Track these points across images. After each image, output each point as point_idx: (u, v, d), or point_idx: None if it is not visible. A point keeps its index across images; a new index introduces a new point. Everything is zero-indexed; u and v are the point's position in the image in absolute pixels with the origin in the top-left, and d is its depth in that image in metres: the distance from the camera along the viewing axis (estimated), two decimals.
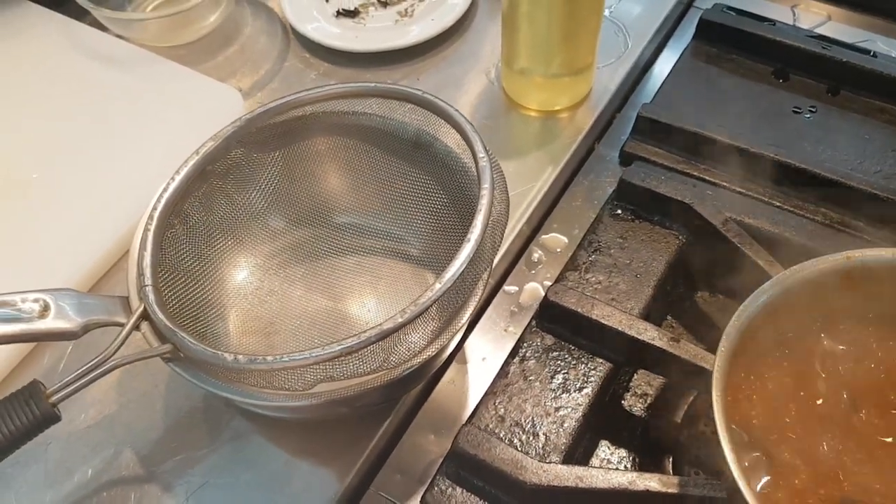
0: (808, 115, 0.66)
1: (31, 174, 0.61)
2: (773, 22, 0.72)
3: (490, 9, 0.74)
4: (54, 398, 0.41)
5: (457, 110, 0.50)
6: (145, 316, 0.44)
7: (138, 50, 0.70)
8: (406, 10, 0.73)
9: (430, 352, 0.46)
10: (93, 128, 0.64)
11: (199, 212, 0.51)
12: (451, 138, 0.53)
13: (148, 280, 0.44)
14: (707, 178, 0.62)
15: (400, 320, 0.41)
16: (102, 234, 0.58)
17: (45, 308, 0.43)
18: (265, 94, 0.70)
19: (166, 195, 0.48)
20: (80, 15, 0.72)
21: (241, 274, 0.55)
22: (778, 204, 0.61)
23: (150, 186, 0.49)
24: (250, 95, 0.69)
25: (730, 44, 0.70)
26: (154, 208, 0.47)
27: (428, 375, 0.52)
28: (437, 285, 0.42)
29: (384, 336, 0.41)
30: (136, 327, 0.44)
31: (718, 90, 0.68)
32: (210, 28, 0.73)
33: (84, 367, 0.42)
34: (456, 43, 0.72)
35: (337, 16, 0.73)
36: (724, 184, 0.62)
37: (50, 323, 0.43)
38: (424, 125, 0.53)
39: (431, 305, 0.42)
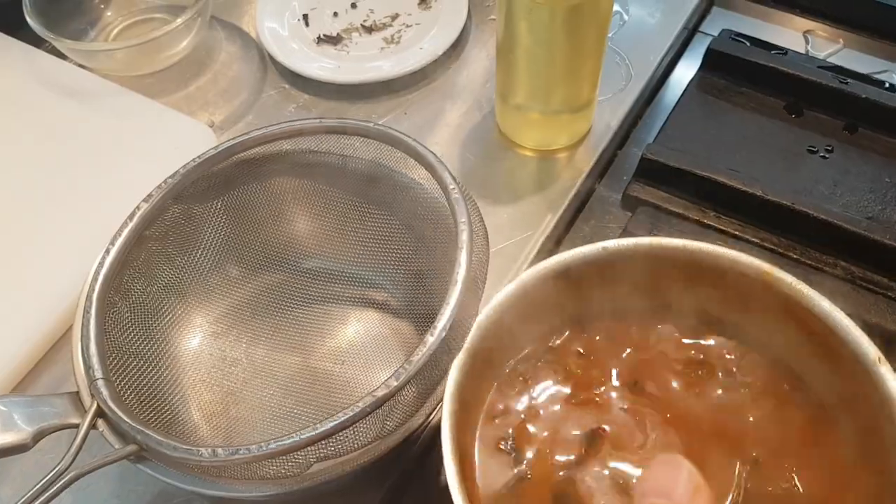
0: (823, 155, 0.61)
1: None
2: (784, 51, 0.67)
3: (483, 36, 0.69)
4: None
5: (416, 140, 0.47)
6: (100, 413, 0.39)
7: (100, 81, 0.64)
8: (392, 36, 0.68)
9: (428, 407, 0.42)
10: (41, 173, 0.58)
11: (142, 283, 0.46)
12: (416, 171, 0.49)
13: (98, 372, 0.39)
14: (717, 226, 0.58)
15: (395, 383, 0.38)
16: (38, 311, 0.52)
17: None
18: (240, 127, 0.65)
19: (103, 271, 0.43)
20: (39, 41, 0.66)
21: (199, 346, 0.50)
22: (795, 256, 0.56)
23: (96, 249, 0.44)
24: (223, 129, 0.64)
25: (739, 75, 0.65)
26: (91, 288, 0.42)
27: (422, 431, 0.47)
28: (430, 338, 0.39)
29: (381, 403, 0.38)
30: (93, 426, 0.39)
31: (727, 127, 0.63)
32: (180, 55, 0.68)
33: (41, 483, 0.37)
34: (447, 73, 0.67)
35: (318, 42, 0.68)
36: (736, 232, 0.57)
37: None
38: (382, 158, 0.50)
39: (426, 362, 0.38)
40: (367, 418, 0.38)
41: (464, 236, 0.43)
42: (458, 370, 0.40)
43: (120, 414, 0.38)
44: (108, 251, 0.43)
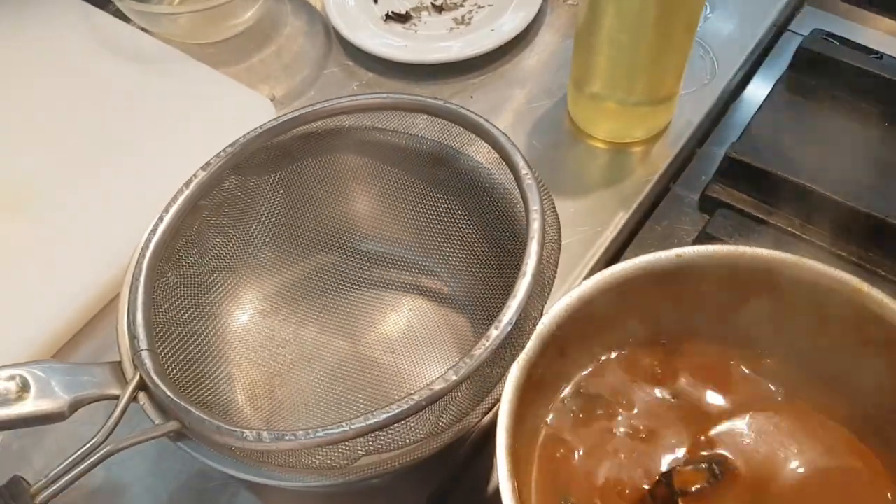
0: None
1: (23, 187, 0.54)
2: (879, 55, 0.63)
3: (558, 21, 0.66)
4: (41, 497, 0.34)
5: (487, 120, 0.44)
6: (142, 386, 0.37)
7: (162, 46, 0.62)
8: (463, 17, 0.65)
9: (485, 406, 0.39)
10: (98, 136, 0.57)
11: (193, 254, 0.44)
12: (483, 155, 0.46)
13: (143, 343, 0.37)
14: (802, 234, 0.54)
15: (455, 378, 0.35)
16: (86, 275, 0.50)
17: (24, 387, 0.36)
18: (301, 103, 0.62)
19: (155, 238, 0.40)
20: (104, 3, 0.65)
21: (247, 323, 0.48)
22: (882, 273, 0.52)
23: (148, 216, 0.42)
24: (284, 105, 0.62)
25: (830, 77, 0.61)
26: (142, 255, 0.40)
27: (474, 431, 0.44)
28: (494, 332, 0.36)
29: (438, 398, 0.35)
30: (134, 399, 0.36)
31: (816, 131, 0.59)
32: (245, 26, 0.66)
33: (74, 456, 0.35)
34: (517, 58, 0.64)
35: (386, 19, 0.65)
36: (822, 243, 0.53)
37: (32, 405, 0.36)
38: (449, 139, 0.47)
39: (487, 357, 0.35)
40: (422, 413, 0.35)
41: (535, 225, 0.40)
42: (513, 386, 0.37)
43: (163, 388, 0.36)
44: (161, 218, 0.41)
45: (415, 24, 0.65)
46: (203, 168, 0.43)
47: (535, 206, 0.41)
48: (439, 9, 0.66)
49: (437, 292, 0.51)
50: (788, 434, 0.40)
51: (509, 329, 0.37)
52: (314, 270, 0.51)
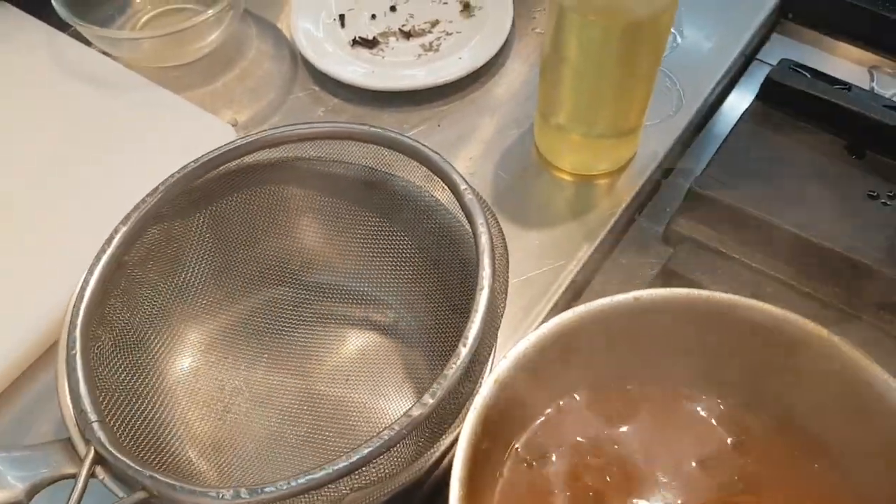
0: (885, 202, 0.57)
1: None
2: (847, 86, 0.63)
3: (526, 50, 0.66)
4: None
5: (418, 141, 0.44)
6: (99, 460, 0.35)
7: (123, 71, 0.61)
8: (431, 43, 0.65)
9: (458, 427, 0.38)
10: (50, 163, 0.56)
11: (124, 313, 0.43)
12: (420, 178, 0.46)
13: (92, 415, 0.35)
14: (764, 269, 0.54)
15: (431, 401, 0.35)
16: (29, 321, 0.48)
17: None
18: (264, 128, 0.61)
19: (83, 303, 0.39)
20: (65, 24, 0.64)
21: (195, 376, 0.47)
22: (849, 311, 0.52)
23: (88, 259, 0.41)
24: (247, 129, 0.61)
25: (798, 109, 0.61)
26: (72, 324, 0.38)
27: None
28: (463, 349, 0.37)
29: (418, 424, 0.35)
30: (92, 474, 0.35)
31: (782, 163, 0.59)
32: (209, 49, 0.65)
33: None
34: (486, 86, 0.64)
35: (353, 44, 0.65)
36: (784, 278, 0.53)
37: None
38: (384, 165, 0.47)
39: (460, 376, 0.36)
40: (403, 441, 0.35)
41: (483, 239, 0.40)
42: (468, 435, 0.36)
43: (123, 459, 0.35)
44: (86, 281, 0.40)
45: (382, 50, 0.64)
46: (123, 222, 0.42)
47: (480, 220, 0.41)
48: (407, 35, 0.65)
49: (385, 320, 0.50)
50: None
51: (476, 345, 0.37)
52: (254, 311, 0.50)
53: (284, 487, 0.33)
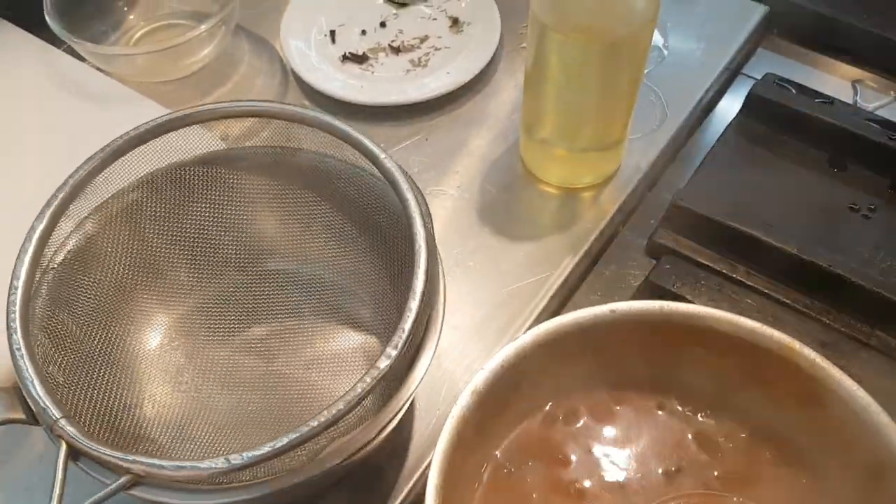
0: (866, 215, 0.57)
1: None
2: (830, 100, 0.63)
3: (513, 65, 0.67)
4: None
5: (326, 113, 0.46)
6: (74, 454, 0.36)
7: (116, 85, 0.62)
8: (419, 59, 0.66)
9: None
10: (42, 176, 0.55)
11: (61, 311, 0.43)
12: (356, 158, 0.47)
13: (55, 412, 0.36)
14: (746, 282, 0.54)
15: (395, 352, 0.38)
16: None
17: None
18: (254, 143, 0.62)
19: (17, 306, 0.39)
20: (59, 40, 0.65)
21: (153, 363, 0.48)
22: (827, 321, 0.53)
23: None
24: (238, 145, 0.62)
25: (781, 123, 0.62)
26: (11, 328, 0.39)
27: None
28: (413, 303, 0.39)
29: (387, 372, 0.37)
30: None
31: (764, 177, 0.60)
32: (201, 64, 0.66)
33: None
34: (473, 100, 0.65)
35: (343, 60, 0.66)
36: (767, 291, 0.54)
37: None
38: (321, 147, 0.48)
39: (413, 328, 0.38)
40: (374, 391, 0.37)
41: (408, 195, 0.43)
42: (445, 444, 0.37)
43: (100, 448, 0.35)
44: (13, 286, 0.40)
45: (371, 66, 0.65)
46: (38, 218, 0.42)
47: (404, 185, 0.43)
48: (396, 50, 0.66)
49: (338, 302, 0.51)
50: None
51: (425, 294, 0.39)
52: (210, 297, 0.51)
53: (269, 450, 0.35)
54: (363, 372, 0.37)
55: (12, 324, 0.39)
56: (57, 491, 0.35)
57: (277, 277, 0.51)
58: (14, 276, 0.40)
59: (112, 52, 0.63)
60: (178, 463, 0.35)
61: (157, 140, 0.47)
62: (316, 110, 0.46)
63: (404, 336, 0.38)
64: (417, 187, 0.44)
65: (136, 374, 0.46)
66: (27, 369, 0.37)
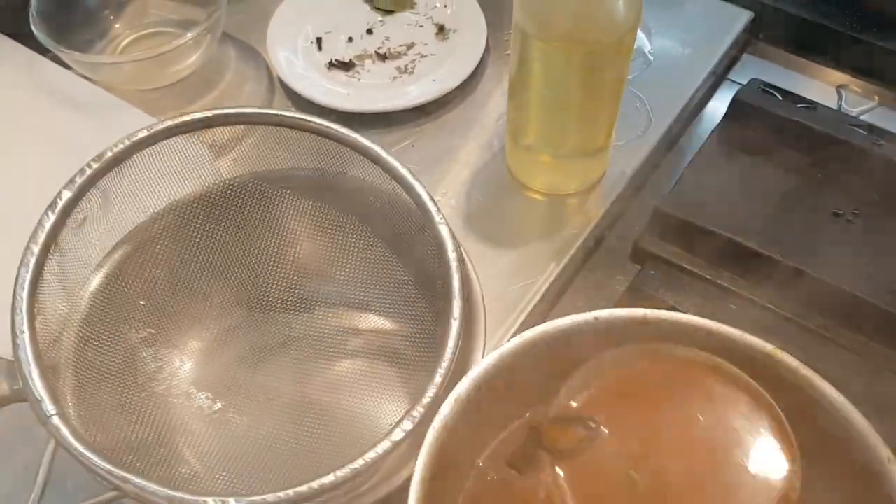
0: (849, 220, 0.58)
1: None
2: (814, 105, 0.64)
3: (499, 72, 0.67)
4: None
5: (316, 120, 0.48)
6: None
7: (102, 93, 0.62)
8: (406, 66, 0.66)
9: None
10: (26, 183, 0.56)
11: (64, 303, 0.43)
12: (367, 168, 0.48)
13: (50, 407, 0.36)
14: (731, 287, 0.55)
15: (410, 427, 0.38)
16: None
17: None
18: (240, 150, 0.62)
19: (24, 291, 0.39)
20: (46, 49, 0.65)
21: (174, 374, 0.47)
22: (811, 326, 0.53)
23: None
24: (223, 153, 0.62)
25: (765, 128, 0.62)
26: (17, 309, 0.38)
27: None
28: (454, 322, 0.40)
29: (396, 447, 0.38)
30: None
31: (749, 182, 0.60)
32: (189, 71, 0.66)
33: None
34: (459, 107, 0.65)
35: (329, 67, 0.66)
36: (751, 297, 0.54)
37: None
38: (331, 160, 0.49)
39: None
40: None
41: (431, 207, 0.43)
42: (427, 453, 0.37)
43: (91, 457, 0.35)
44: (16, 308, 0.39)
45: (358, 73, 0.66)
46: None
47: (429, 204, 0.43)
48: (383, 57, 0.66)
49: (370, 327, 0.51)
50: None
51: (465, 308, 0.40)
52: (240, 313, 0.51)
53: (271, 499, 0.34)
54: (392, 399, 0.36)
55: (18, 306, 0.38)
56: (38, 489, 0.35)
57: (309, 300, 0.51)
58: (23, 264, 0.40)
59: (98, 61, 0.63)
60: (170, 492, 0.34)
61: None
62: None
63: (423, 410, 0.38)
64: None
65: (151, 389, 0.46)
66: (27, 356, 0.37)
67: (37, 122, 0.61)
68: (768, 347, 0.39)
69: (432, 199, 0.44)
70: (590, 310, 0.41)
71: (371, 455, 0.36)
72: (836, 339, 0.52)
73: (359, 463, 0.36)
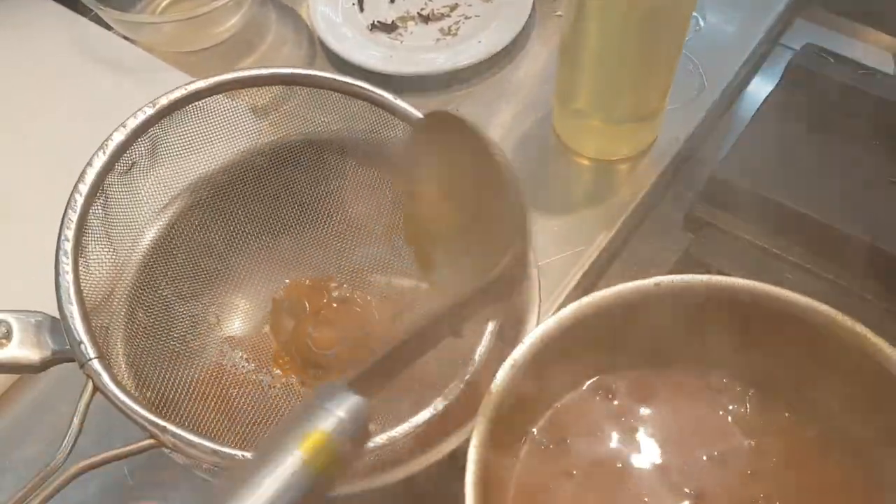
0: None
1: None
2: (872, 71, 0.62)
3: (546, 33, 0.65)
4: None
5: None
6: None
7: (143, 55, 0.62)
8: (450, 27, 0.64)
9: None
10: (69, 145, 0.55)
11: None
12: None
13: (91, 350, 0.35)
14: (787, 257, 0.53)
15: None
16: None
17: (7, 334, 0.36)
18: (282, 114, 0.61)
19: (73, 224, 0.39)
20: (85, 9, 0.64)
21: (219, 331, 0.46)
22: (870, 298, 0.51)
23: None
24: (265, 115, 0.61)
25: (821, 94, 0.60)
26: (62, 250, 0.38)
27: None
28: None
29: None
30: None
31: (805, 150, 0.58)
32: (229, 33, 0.65)
33: (30, 484, 0.34)
34: (505, 70, 0.63)
35: (371, 29, 0.64)
36: (808, 266, 0.53)
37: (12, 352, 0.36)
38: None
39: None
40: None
41: None
42: (485, 418, 0.36)
43: (130, 404, 0.35)
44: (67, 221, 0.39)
45: (400, 35, 0.64)
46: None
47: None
48: (426, 19, 0.65)
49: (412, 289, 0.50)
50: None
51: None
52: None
53: None
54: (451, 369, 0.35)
55: (63, 246, 0.38)
56: (74, 433, 0.34)
57: (352, 263, 0.50)
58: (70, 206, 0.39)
59: (138, 20, 0.62)
60: (214, 446, 0.34)
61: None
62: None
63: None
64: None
65: (197, 346, 0.45)
66: (70, 296, 0.36)
67: (78, 83, 0.60)
68: (835, 314, 0.38)
69: None
70: (641, 278, 0.40)
71: (410, 423, 0.36)
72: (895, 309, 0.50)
73: (405, 426, 0.35)
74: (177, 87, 0.43)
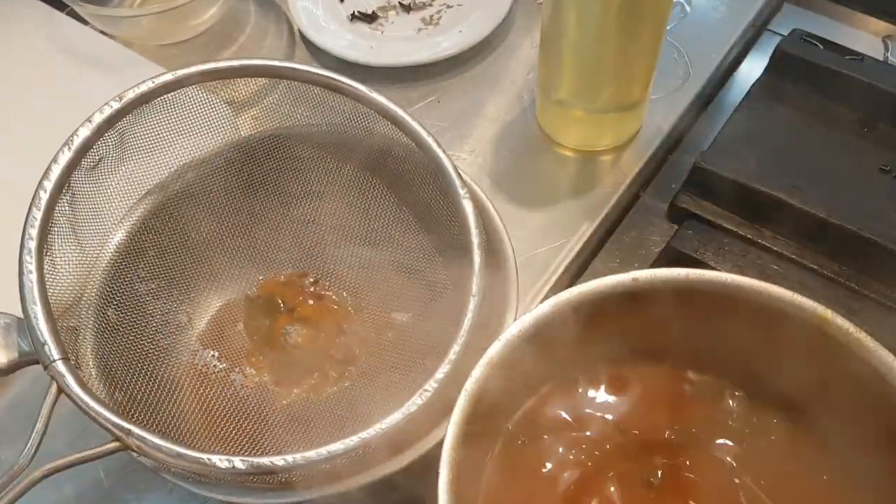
0: None
1: None
2: (860, 57, 0.60)
3: (529, 22, 0.64)
4: None
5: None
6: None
7: (119, 49, 0.61)
8: (431, 17, 0.63)
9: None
10: (45, 140, 0.55)
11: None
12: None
13: (55, 352, 0.35)
14: (772, 247, 0.52)
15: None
16: None
17: None
18: (260, 109, 0.60)
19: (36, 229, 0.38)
20: (62, 3, 0.63)
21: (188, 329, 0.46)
22: (856, 287, 0.51)
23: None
24: (243, 110, 0.60)
25: (808, 81, 0.59)
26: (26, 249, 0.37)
27: None
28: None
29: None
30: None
31: (792, 137, 0.57)
32: (206, 26, 0.64)
33: None
34: (486, 60, 0.62)
35: (352, 19, 0.63)
36: (794, 256, 0.52)
37: None
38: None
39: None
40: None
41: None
42: (459, 415, 0.36)
43: (94, 406, 0.34)
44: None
45: (381, 25, 0.63)
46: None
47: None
48: (407, 8, 0.64)
49: (387, 284, 0.49)
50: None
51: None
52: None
53: (280, 463, 0.33)
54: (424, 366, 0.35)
55: (27, 245, 0.37)
56: (38, 436, 0.33)
57: (325, 259, 0.50)
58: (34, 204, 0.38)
59: (116, 14, 0.61)
60: (179, 449, 0.34)
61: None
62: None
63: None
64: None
65: (165, 346, 0.45)
66: (34, 296, 0.36)
67: (54, 79, 0.59)
68: (819, 309, 0.37)
69: (456, 171, 0.42)
70: (624, 271, 0.39)
71: (382, 425, 0.36)
72: (884, 301, 0.50)
73: (374, 429, 0.35)
74: (144, 81, 0.42)
